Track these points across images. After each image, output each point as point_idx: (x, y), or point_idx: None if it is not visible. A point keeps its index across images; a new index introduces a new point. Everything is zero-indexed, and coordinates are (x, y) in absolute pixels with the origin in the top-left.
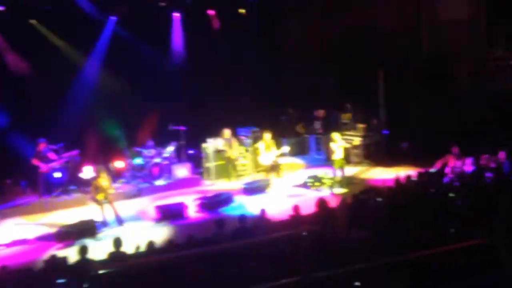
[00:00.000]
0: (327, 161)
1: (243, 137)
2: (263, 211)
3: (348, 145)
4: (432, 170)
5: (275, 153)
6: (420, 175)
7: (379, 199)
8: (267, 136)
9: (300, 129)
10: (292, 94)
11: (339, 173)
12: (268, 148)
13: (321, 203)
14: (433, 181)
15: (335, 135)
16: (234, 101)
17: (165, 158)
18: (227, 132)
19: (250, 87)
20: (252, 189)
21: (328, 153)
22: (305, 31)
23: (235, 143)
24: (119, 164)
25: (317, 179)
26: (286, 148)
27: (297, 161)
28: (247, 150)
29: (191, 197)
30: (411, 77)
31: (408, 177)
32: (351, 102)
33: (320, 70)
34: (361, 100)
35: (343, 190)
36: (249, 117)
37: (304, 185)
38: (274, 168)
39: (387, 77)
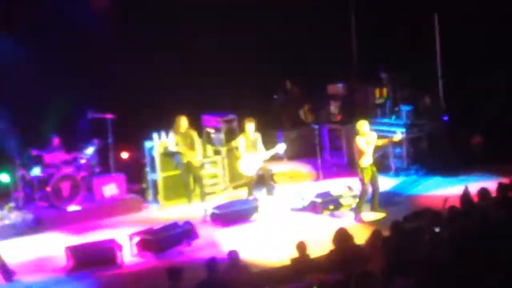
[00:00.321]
0: (350, 168)
1: (210, 130)
2: (246, 252)
3: (384, 141)
4: None
5: (264, 156)
6: (502, 188)
7: (437, 229)
8: (250, 127)
9: (305, 115)
10: (291, 57)
11: (369, 188)
12: (252, 147)
13: (341, 237)
14: None
15: (363, 125)
16: (196, 72)
17: (82, 167)
18: (183, 123)
19: (218, 46)
20: (228, 217)
21: (352, 154)
22: None
23: (197, 140)
24: (3, 178)
25: (333, 198)
26: (281, 147)
27: (301, 168)
28: (218, 152)
29: (125, 232)
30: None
31: (484, 191)
32: (388, 70)
33: (336, 17)
34: (403, 66)
35: (376, 216)
36: (219, 98)
37: (313, 208)
38: (263, 180)
39: (446, 25)
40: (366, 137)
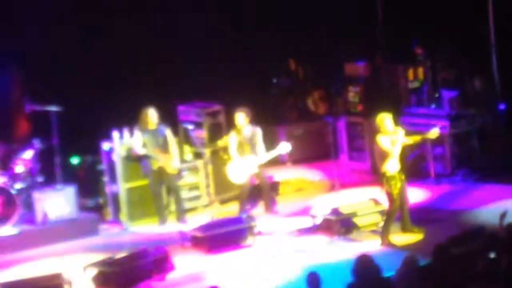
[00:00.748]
0: (375, 174)
1: (189, 126)
2: None
3: (415, 139)
4: None
5: (261, 159)
6: None
7: (493, 255)
8: (241, 119)
9: (315, 105)
10: (296, 27)
11: (398, 202)
12: (246, 147)
13: (364, 267)
14: None
15: (385, 119)
16: (167, 51)
17: (18, 177)
18: (152, 117)
19: (194, 15)
20: (213, 241)
21: (377, 157)
22: None
23: (172, 139)
24: None
25: (353, 216)
26: (285, 147)
27: (310, 174)
28: (199, 154)
29: (77, 262)
30: None
31: None
32: (425, 44)
33: None
34: (445, 37)
35: (410, 238)
36: (201, 84)
37: (327, 229)
38: (260, 191)
39: None
40: (390, 135)
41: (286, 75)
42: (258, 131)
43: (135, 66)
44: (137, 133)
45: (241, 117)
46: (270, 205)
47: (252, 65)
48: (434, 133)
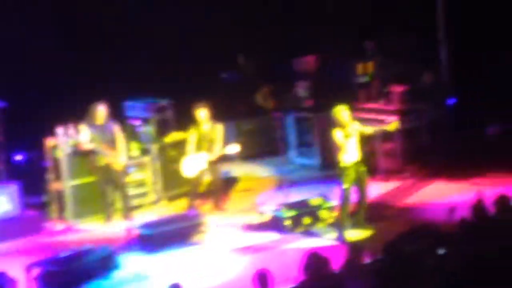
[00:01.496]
0: (326, 171)
1: (136, 123)
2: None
3: (373, 130)
4: None
5: (210, 156)
6: None
7: (442, 251)
8: (203, 114)
9: (264, 100)
10: (243, 20)
11: (350, 195)
12: (205, 144)
13: (314, 263)
14: None
15: (341, 112)
16: (114, 45)
17: None
18: (101, 112)
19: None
20: (161, 239)
21: (329, 152)
22: None
23: (120, 135)
24: None
25: (303, 212)
26: (233, 148)
27: (259, 170)
28: (146, 151)
29: (21, 262)
30: None
31: (503, 199)
32: (374, 38)
33: None
34: (394, 31)
35: (363, 233)
36: (147, 78)
37: (275, 225)
38: (210, 188)
39: None
40: (346, 128)
41: (234, 70)
42: (219, 128)
43: (81, 62)
44: (85, 128)
45: (202, 113)
46: (220, 202)
47: (201, 60)
48: (392, 125)
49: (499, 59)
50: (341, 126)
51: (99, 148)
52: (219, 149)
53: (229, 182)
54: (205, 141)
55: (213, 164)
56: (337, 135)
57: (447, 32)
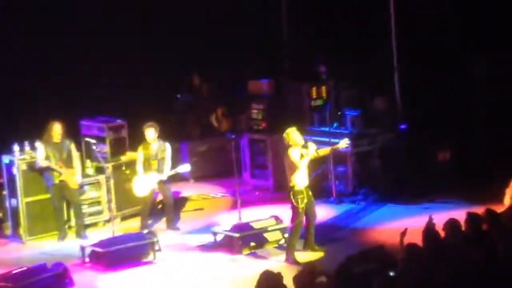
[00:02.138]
0: (278, 192)
1: (91, 141)
2: None
3: (325, 151)
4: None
5: (161, 176)
6: (472, 220)
7: (392, 273)
8: (151, 134)
9: (218, 121)
10: (200, 43)
11: (302, 217)
12: (153, 163)
13: (267, 284)
14: (501, 232)
15: (292, 133)
16: (70, 64)
17: None
18: (57, 130)
19: (99, 29)
20: (114, 257)
21: (281, 173)
22: None
23: (76, 154)
24: None
25: (256, 232)
26: (184, 168)
27: (213, 191)
28: (101, 169)
29: None
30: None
31: (453, 224)
32: (328, 63)
33: None
34: (348, 57)
35: (313, 255)
36: (104, 98)
37: (229, 246)
38: (162, 207)
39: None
40: (301, 148)
41: (189, 91)
42: (167, 147)
43: (37, 80)
44: (41, 145)
45: (150, 132)
46: (173, 222)
47: (156, 81)
48: (343, 143)
49: (451, 85)
50: (295, 146)
51: (54, 166)
52: (168, 169)
53: (182, 202)
54: (154, 160)
55: (163, 184)
56: (293, 154)
57: (399, 61)
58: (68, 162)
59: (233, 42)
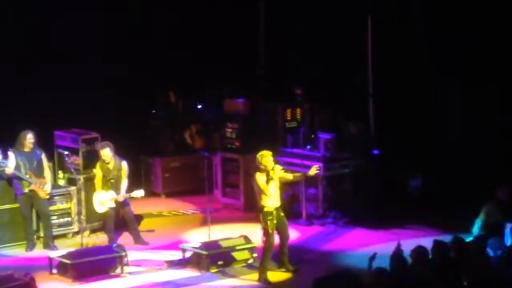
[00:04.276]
0: (248, 212)
1: (64, 152)
2: None
3: (295, 176)
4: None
5: (119, 196)
6: (439, 246)
7: None
8: (107, 152)
9: (192, 139)
10: (176, 60)
11: (273, 238)
12: (109, 181)
13: None
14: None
15: (265, 157)
16: (46, 75)
17: None
18: (29, 139)
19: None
20: (82, 269)
21: (251, 193)
22: None
23: (47, 163)
24: None
25: (224, 251)
26: (139, 193)
27: (183, 208)
28: (72, 181)
29: None
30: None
31: (420, 251)
32: (304, 85)
33: (240, 11)
34: (324, 80)
35: (280, 275)
36: (78, 111)
37: (197, 263)
38: (127, 223)
39: (381, 29)
40: (268, 173)
41: (164, 107)
42: (124, 166)
43: (14, 88)
44: (12, 154)
45: (106, 151)
46: (139, 236)
47: (132, 96)
48: (314, 169)
49: (424, 112)
50: (264, 170)
51: (24, 175)
52: (124, 188)
53: (151, 218)
54: (111, 179)
55: (121, 203)
56: (260, 179)
57: (374, 84)
58: (38, 171)
59: (210, 60)
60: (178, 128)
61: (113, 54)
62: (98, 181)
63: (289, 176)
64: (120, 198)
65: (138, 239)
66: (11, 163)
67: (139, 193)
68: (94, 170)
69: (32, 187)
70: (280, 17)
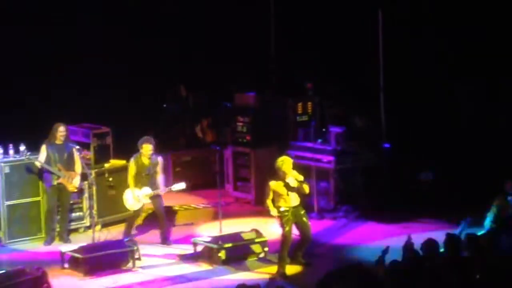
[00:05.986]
0: (260, 205)
1: (76, 147)
2: None
3: (306, 190)
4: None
5: (157, 191)
6: (451, 241)
7: None
8: (148, 149)
9: (203, 133)
10: (187, 55)
11: (291, 237)
12: (144, 177)
13: None
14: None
15: (287, 162)
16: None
17: None
18: (61, 132)
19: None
20: (94, 263)
21: (263, 188)
22: None
23: (78, 157)
24: None
25: (236, 245)
26: (180, 185)
27: (194, 202)
28: (84, 176)
29: None
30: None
31: (431, 244)
32: (315, 79)
33: (250, 7)
34: (335, 74)
35: (295, 267)
36: (92, 104)
37: (208, 257)
38: (158, 220)
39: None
40: (285, 180)
41: (176, 101)
42: (160, 161)
43: (28, 84)
44: (43, 146)
45: (151, 147)
46: (167, 235)
47: (144, 90)
48: (306, 188)
49: (435, 108)
50: (282, 177)
51: (54, 168)
52: (163, 183)
53: (176, 215)
54: (147, 175)
55: (156, 198)
56: (277, 186)
57: (385, 78)
58: (68, 164)
59: (221, 55)
60: (189, 122)
61: (124, 50)
62: (131, 177)
63: (306, 190)
64: (162, 192)
65: (165, 238)
66: (41, 156)
67: (180, 185)
68: (126, 163)
69: (61, 180)
70: (291, 11)
